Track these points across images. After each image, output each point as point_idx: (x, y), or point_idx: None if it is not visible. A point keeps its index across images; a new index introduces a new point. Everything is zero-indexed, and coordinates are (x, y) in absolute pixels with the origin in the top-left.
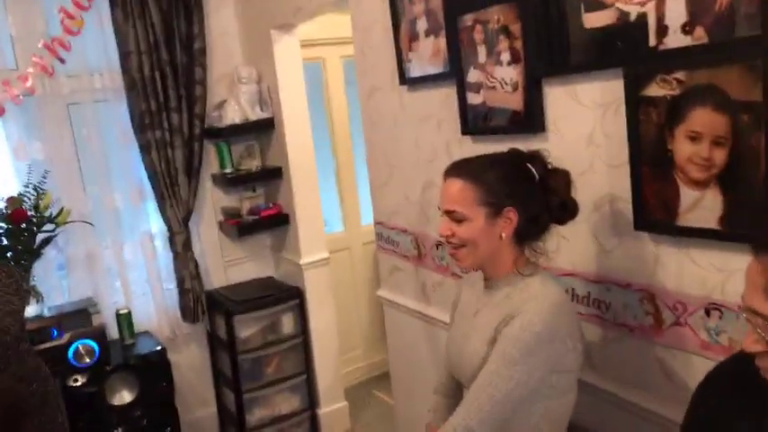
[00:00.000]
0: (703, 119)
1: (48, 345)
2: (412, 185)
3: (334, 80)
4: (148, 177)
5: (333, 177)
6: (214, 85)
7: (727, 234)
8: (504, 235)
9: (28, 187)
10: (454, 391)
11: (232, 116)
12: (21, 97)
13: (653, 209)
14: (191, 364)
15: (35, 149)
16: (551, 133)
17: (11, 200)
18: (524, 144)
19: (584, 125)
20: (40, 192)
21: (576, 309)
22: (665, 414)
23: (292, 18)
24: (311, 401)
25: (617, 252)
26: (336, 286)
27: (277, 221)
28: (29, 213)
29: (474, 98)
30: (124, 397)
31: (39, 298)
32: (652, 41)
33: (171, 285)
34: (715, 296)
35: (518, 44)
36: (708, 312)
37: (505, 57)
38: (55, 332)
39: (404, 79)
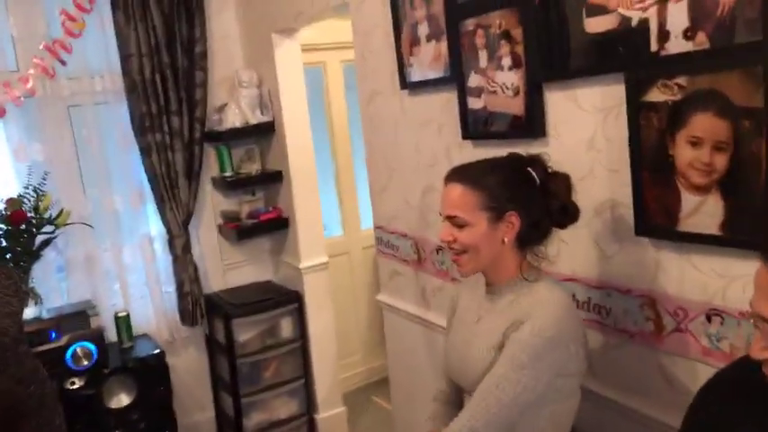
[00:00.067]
0: (704, 124)
1: (46, 347)
2: (412, 190)
3: (335, 85)
4: (148, 180)
5: (332, 182)
6: (215, 88)
7: (728, 240)
8: (506, 240)
9: (28, 189)
10: (454, 399)
11: (232, 120)
12: (21, 99)
13: (654, 214)
14: (189, 368)
15: (35, 151)
16: (552, 138)
17: (10, 201)
18: (525, 149)
19: (585, 130)
20: (40, 193)
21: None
22: (666, 420)
23: (293, 22)
24: (309, 406)
25: (617, 257)
26: (335, 291)
27: (276, 225)
28: (28, 215)
29: (475, 103)
30: (122, 400)
31: (37, 300)
32: (654, 47)
33: (170, 288)
34: (716, 302)
35: (519, 49)
36: (709, 318)
37: (506, 61)
38: (53, 334)
39: (404, 83)
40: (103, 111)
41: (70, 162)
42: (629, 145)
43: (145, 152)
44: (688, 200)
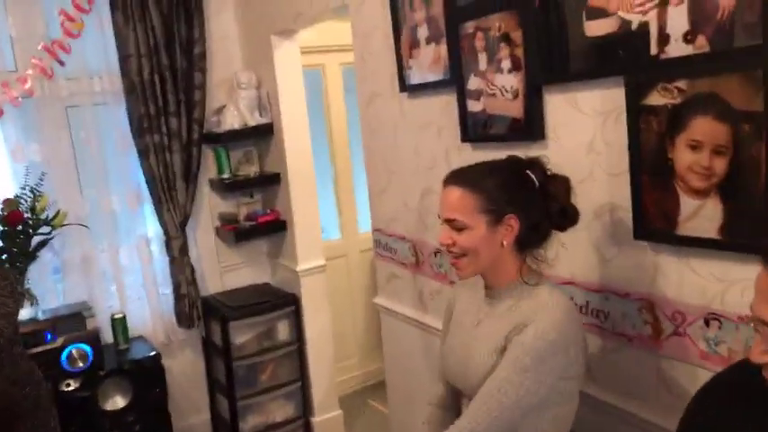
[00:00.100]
0: (704, 128)
1: (41, 348)
2: (411, 192)
3: (334, 87)
4: (146, 181)
5: (331, 184)
6: (213, 89)
7: (727, 244)
8: (505, 242)
9: (25, 189)
10: (450, 403)
11: (231, 121)
12: (19, 99)
13: (653, 218)
14: (185, 370)
15: (33, 151)
16: (551, 141)
17: (7, 202)
18: (524, 152)
19: (585, 133)
20: (37, 194)
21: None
22: (665, 425)
23: (293, 24)
24: (305, 409)
25: (616, 261)
26: (332, 294)
27: (274, 228)
28: (25, 216)
29: (474, 105)
30: (117, 402)
31: (33, 301)
32: (654, 50)
33: (167, 290)
34: (714, 306)
35: (519, 52)
36: (707, 322)
37: (506, 64)
38: (49, 336)
39: (404, 86)
40: (102, 112)
41: (68, 163)
42: (629, 148)
43: (143, 153)
44: (687, 203)
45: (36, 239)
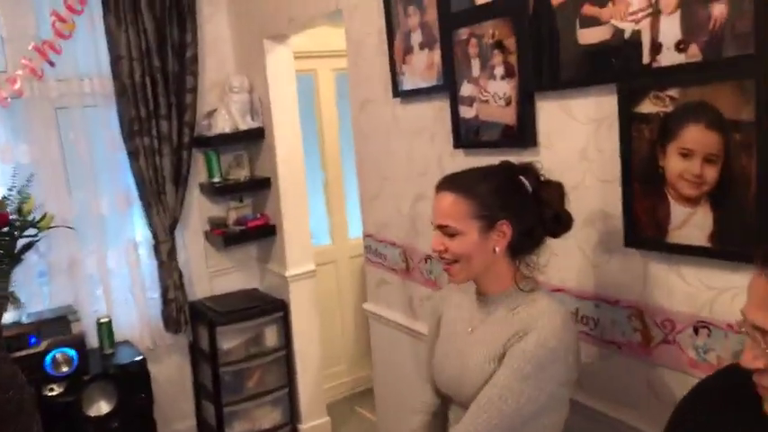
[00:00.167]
0: (695, 136)
1: (25, 352)
2: (403, 198)
3: (326, 93)
4: (135, 184)
5: (321, 190)
6: (205, 93)
7: (717, 252)
8: (497, 249)
9: (12, 190)
10: (437, 411)
11: (222, 125)
12: (8, 99)
13: (643, 225)
14: (171, 376)
15: (21, 152)
16: (543, 148)
17: None
18: (516, 158)
19: (577, 140)
20: (24, 195)
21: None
22: None
23: (285, 28)
24: (292, 416)
25: (606, 268)
26: (321, 299)
27: (264, 232)
28: (11, 217)
29: (467, 112)
30: (101, 408)
31: (17, 304)
32: (646, 58)
33: (154, 295)
34: (704, 314)
35: (512, 59)
36: (696, 330)
37: (499, 71)
38: (33, 339)
39: (397, 92)
40: (91, 113)
41: (56, 164)
42: (621, 156)
43: (133, 156)
44: (678, 211)
45: (22, 242)
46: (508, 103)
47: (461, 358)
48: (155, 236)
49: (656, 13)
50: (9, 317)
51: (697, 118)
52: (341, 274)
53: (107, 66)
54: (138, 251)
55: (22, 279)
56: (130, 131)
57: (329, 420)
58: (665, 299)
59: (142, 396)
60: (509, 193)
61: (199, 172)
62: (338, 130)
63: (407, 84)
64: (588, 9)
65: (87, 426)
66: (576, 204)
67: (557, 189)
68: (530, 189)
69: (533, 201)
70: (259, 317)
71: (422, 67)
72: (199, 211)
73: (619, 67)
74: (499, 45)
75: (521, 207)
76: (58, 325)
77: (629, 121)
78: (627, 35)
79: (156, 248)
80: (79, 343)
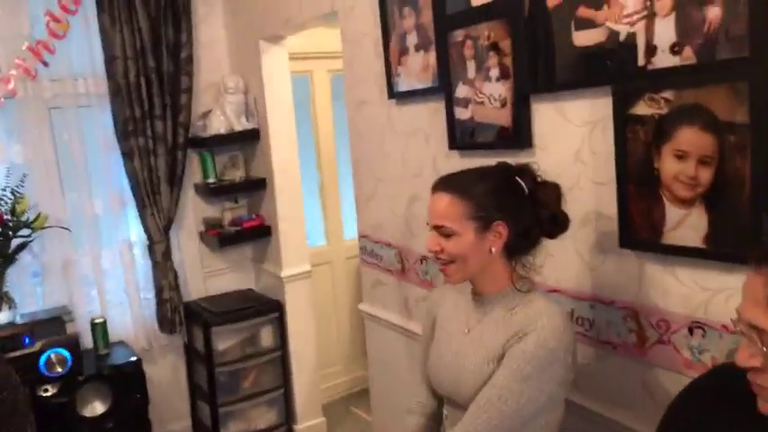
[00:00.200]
0: (690, 138)
1: (19, 352)
2: (398, 200)
3: (321, 94)
4: (130, 185)
5: (317, 191)
6: (200, 94)
7: (711, 253)
8: (493, 249)
9: (5, 191)
10: (432, 412)
11: (217, 126)
12: (2, 99)
13: (638, 227)
14: (166, 376)
15: (14, 153)
16: (538, 149)
17: None
18: (511, 160)
19: (572, 142)
20: (18, 196)
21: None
22: None
23: (281, 29)
24: (288, 417)
25: (602, 269)
26: (317, 300)
27: (259, 233)
28: (5, 217)
29: (462, 113)
30: (96, 408)
31: (11, 304)
32: (641, 61)
33: (149, 295)
34: (698, 315)
35: (507, 60)
36: (691, 331)
37: (494, 73)
38: (27, 340)
39: (392, 93)
40: (85, 114)
41: (50, 165)
42: (616, 157)
43: (127, 156)
44: (672, 213)
45: (15, 242)
46: (503, 105)
47: (458, 359)
48: (149, 236)
49: (650, 16)
50: (3, 317)
51: (692, 120)
52: (336, 274)
53: (101, 66)
54: (133, 251)
55: (16, 279)
56: (125, 132)
57: (325, 421)
58: (660, 300)
59: (137, 396)
60: (505, 194)
61: (194, 172)
62: (334, 132)
63: (403, 85)
64: (583, 11)
65: (82, 426)
66: (571, 206)
67: (553, 190)
68: (526, 190)
69: (530, 201)
70: (254, 317)
71: (417, 69)
72: (194, 211)
73: (614, 69)
74: (494, 47)
75: (517, 208)
76: (53, 325)
77: (623, 123)
78: (622, 37)
79: (151, 249)
80: (73, 343)
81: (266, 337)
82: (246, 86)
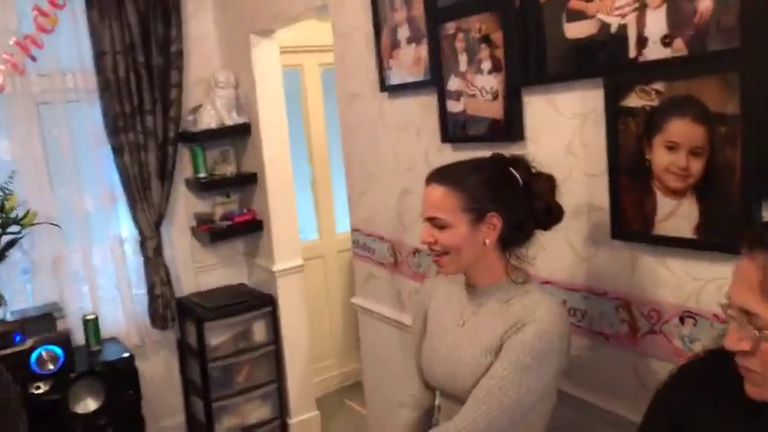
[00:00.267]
0: (681, 129)
1: (10, 350)
2: (390, 193)
3: (313, 88)
4: (120, 180)
5: (308, 185)
6: (190, 88)
7: (702, 243)
8: (487, 241)
9: None
10: (425, 404)
11: (208, 121)
12: None
13: (630, 218)
14: (159, 372)
15: (2, 149)
16: (530, 142)
17: None
18: (504, 152)
19: (564, 134)
20: (7, 192)
21: None
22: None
23: (272, 23)
24: (282, 411)
25: (594, 260)
26: (310, 294)
27: (251, 228)
28: None
29: (454, 106)
30: (88, 405)
31: (1, 302)
32: (632, 53)
33: (141, 291)
34: (690, 304)
35: (499, 53)
36: (682, 320)
37: (486, 65)
38: (18, 337)
39: (384, 86)
40: (74, 109)
41: (39, 161)
42: (607, 149)
43: (117, 152)
44: (664, 204)
45: (5, 239)
46: (495, 98)
47: (453, 352)
48: (140, 232)
49: (642, 8)
50: None
51: (683, 111)
52: (329, 268)
53: (90, 61)
54: (124, 247)
55: (6, 276)
56: (115, 127)
57: (318, 414)
58: (651, 290)
59: (130, 393)
60: (499, 186)
61: (184, 167)
62: (325, 125)
63: (394, 78)
64: (575, 3)
65: (75, 424)
66: (563, 198)
67: (548, 181)
68: (520, 181)
69: (524, 193)
70: (247, 312)
71: (409, 62)
72: (185, 206)
73: (605, 61)
74: (486, 39)
75: (511, 199)
76: (44, 322)
77: (615, 114)
78: (613, 29)
79: (142, 245)
80: (65, 340)
81: (259, 332)
82: (237, 81)
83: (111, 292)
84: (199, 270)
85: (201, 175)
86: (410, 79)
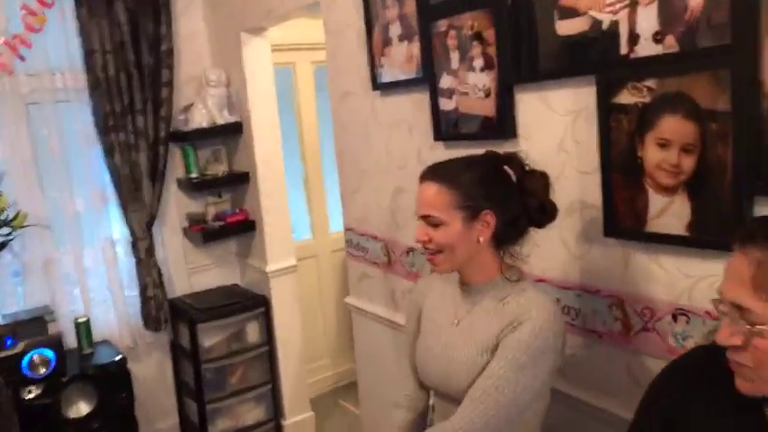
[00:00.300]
0: (673, 126)
1: (1, 354)
2: (383, 192)
3: (305, 86)
4: (111, 181)
5: (301, 184)
6: (181, 87)
7: (694, 240)
8: (481, 239)
9: None
10: (420, 405)
11: (199, 120)
12: None
13: (623, 215)
14: (152, 374)
15: None
16: (523, 139)
17: None
18: (497, 150)
19: (556, 132)
20: None
21: None
22: None
23: (263, 21)
24: (276, 412)
25: (587, 258)
26: (303, 294)
27: (243, 228)
28: None
29: (446, 104)
30: (81, 409)
31: None
32: (624, 49)
33: (133, 292)
34: (682, 302)
35: (491, 50)
36: (675, 318)
37: (478, 63)
38: (9, 341)
39: (376, 84)
40: (64, 109)
41: (28, 162)
42: (599, 146)
43: (108, 152)
44: (656, 201)
45: None
46: (487, 95)
47: (447, 351)
48: (132, 233)
49: (633, 5)
50: None
51: (674, 108)
52: (322, 268)
53: (79, 60)
54: (116, 249)
55: None
56: (105, 127)
57: (313, 415)
58: (644, 287)
59: (123, 396)
60: (493, 183)
61: (176, 167)
62: (318, 123)
63: (386, 76)
64: (566, 0)
65: (67, 428)
66: (556, 195)
67: (541, 179)
68: (514, 179)
69: (518, 190)
70: (240, 313)
71: (401, 60)
72: (177, 207)
73: (597, 58)
74: (478, 37)
75: (505, 197)
76: (35, 326)
77: (607, 111)
78: (605, 26)
79: (134, 246)
80: (57, 343)
81: (252, 333)
82: (228, 79)
83: (103, 293)
84: (191, 271)
85: (193, 174)
86: (402, 77)
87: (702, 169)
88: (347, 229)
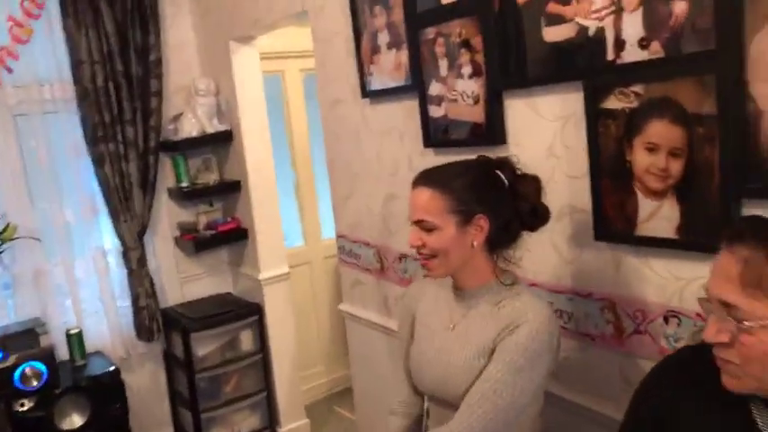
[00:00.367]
0: (660, 131)
1: None
2: (374, 198)
3: (294, 94)
4: (101, 191)
5: (292, 191)
6: (170, 97)
7: (684, 243)
8: (475, 243)
9: None
10: (415, 411)
11: (189, 129)
12: None
13: (612, 219)
14: (146, 385)
15: None
16: (512, 145)
17: None
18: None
19: (545, 137)
20: None
21: None
22: None
23: (251, 30)
24: (271, 420)
25: (578, 262)
26: (296, 301)
27: (235, 236)
28: None
29: (436, 111)
30: (74, 421)
31: None
32: (610, 55)
33: (125, 303)
34: (673, 304)
35: (479, 57)
36: (666, 320)
37: (467, 70)
38: (0, 354)
39: (365, 92)
40: (52, 120)
41: (17, 174)
42: (588, 151)
43: (98, 163)
44: (645, 205)
45: None
46: (476, 102)
47: (442, 356)
48: (123, 243)
49: (618, 11)
50: None
51: (661, 113)
52: (315, 275)
53: (67, 70)
54: (107, 259)
55: None
56: (95, 137)
57: (308, 422)
58: (635, 290)
59: (117, 407)
60: (485, 188)
61: (166, 177)
62: (308, 131)
63: (376, 84)
64: (553, 7)
65: None
66: (546, 200)
67: (533, 182)
68: (506, 183)
69: (510, 195)
70: (234, 321)
71: (390, 67)
72: (168, 216)
73: (584, 64)
74: (466, 44)
75: (497, 201)
76: (26, 338)
77: (595, 117)
78: (591, 32)
79: (126, 256)
80: (49, 356)
81: (246, 341)
82: (218, 88)
83: (95, 304)
84: (184, 280)
85: (184, 184)
86: (391, 84)
87: (690, 173)
88: (339, 236)
